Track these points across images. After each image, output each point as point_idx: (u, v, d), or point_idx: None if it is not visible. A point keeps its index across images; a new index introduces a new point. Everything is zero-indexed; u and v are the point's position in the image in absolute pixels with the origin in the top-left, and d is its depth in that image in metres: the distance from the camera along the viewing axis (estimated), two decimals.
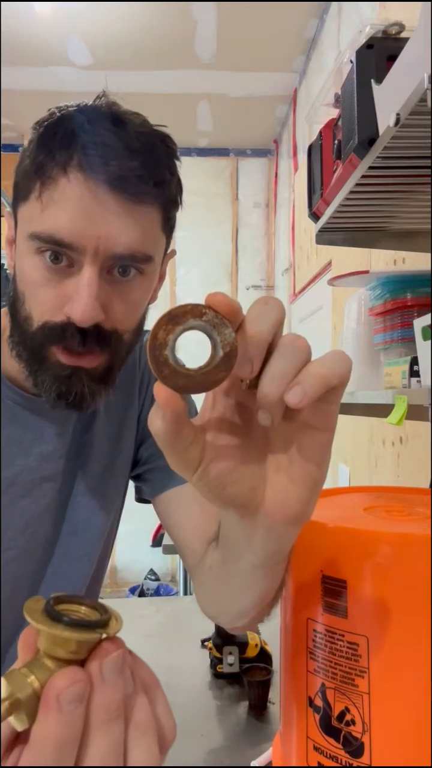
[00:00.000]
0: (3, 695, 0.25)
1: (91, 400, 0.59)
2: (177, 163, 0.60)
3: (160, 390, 0.31)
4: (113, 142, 0.54)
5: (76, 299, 0.54)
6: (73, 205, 0.53)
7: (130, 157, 0.54)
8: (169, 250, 0.67)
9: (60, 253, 0.54)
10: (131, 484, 0.80)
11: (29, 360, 0.59)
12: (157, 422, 0.32)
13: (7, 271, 0.63)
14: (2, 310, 0.65)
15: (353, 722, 0.47)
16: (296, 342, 0.34)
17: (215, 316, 0.32)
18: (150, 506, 0.78)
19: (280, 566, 0.45)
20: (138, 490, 0.79)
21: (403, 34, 0.71)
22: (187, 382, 0.31)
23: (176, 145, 0.60)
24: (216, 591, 0.57)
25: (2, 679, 0.26)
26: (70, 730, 0.25)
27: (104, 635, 0.28)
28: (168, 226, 0.63)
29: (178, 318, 0.31)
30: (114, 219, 0.54)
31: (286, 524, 0.37)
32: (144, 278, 0.59)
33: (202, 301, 0.32)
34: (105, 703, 0.27)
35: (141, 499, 0.79)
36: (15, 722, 0.26)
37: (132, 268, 0.57)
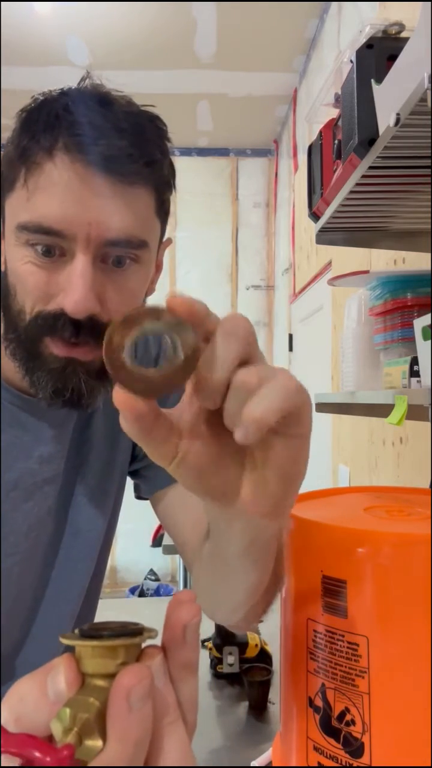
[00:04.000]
0: (68, 723, 0.25)
1: (88, 397, 0.57)
2: (168, 144, 0.58)
3: (117, 395, 0.31)
4: (100, 122, 0.51)
5: (70, 290, 0.52)
6: (60, 190, 0.50)
7: (118, 136, 0.52)
8: (164, 239, 0.64)
9: (51, 246, 0.52)
10: (129, 482, 0.79)
11: (24, 357, 0.57)
12: (123, 424, 0.32)
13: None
14: None
15: (353, 722, 0.47)
16: (246, 378, 0.33)
17: (174, 319, 0.31)
18: (148, 506, 0.78)
19: (265, 558, 0.44)
20: (136, 488, 0.79)
21: (403, 34, 0.71)
22: (146, 386, 0.31)
23: (166, 126, 0.58)
24: (209, 583, 0.56)
25: (64, 709, 0.25)
26: (144, 726, 0.25)
27: (147, 639, 0.28)
28: (162, 211, 0.60)
29: (134, 321, 0.30)
30: (105, 202, 0.51)
31: (261, 517, 0.37)
32: (140, 267, 0.57)
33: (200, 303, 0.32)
34: (188, 660, 0.28)
35: (140, 496, 0.79)
36: (90, 746, 0.25)
37: (127, 258, 0.55)
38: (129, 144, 0.52)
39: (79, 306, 0.52)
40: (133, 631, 0.27)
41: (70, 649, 0.28)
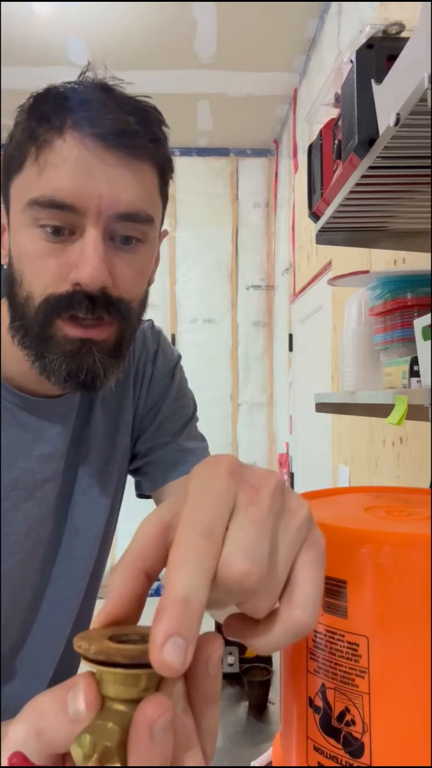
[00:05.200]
0: (88, 750, 0.24)
1: (103, 377, 0.57)
2: (167, 129, 0.59)
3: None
4: (106, 101, 0.53)
5: (83, 262, 0.52)
6: (71, 165, 0.52)
7: (124, 113, 0.53)
8: (162, 229, 0.65)
9: (61, 227, 0.53)
10: (131, 480, 0.79)
11: (33, 342, 0.57)
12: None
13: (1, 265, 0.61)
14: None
15: (353, 722, 0.47)
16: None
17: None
18: (149, 506, 0.78)
19: None
20: (138, 485, 0.79)
21: (403, 34, 0.71)
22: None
23: (163, 117, 0.59)
24: None
25: (84, 735, 0.25)
26: (165, 756, 0.25)
27: None
28: (164, 192, 0.61)
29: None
30: (114, 175, 0.53)
31: None
32: (145, 246, 0.58)
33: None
34: (210, 693, 0.28)
35: (142, 494, 0.79)
36: None
37: (134, 237, 0.56)
38: (135, 120, 0.54)
39: (94, 275, 0.52)
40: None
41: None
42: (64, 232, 0.53)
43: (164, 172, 0.60)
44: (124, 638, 0.29)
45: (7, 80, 2.97)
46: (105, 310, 0.55)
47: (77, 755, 0.24)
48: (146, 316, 0.75)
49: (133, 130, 0.53)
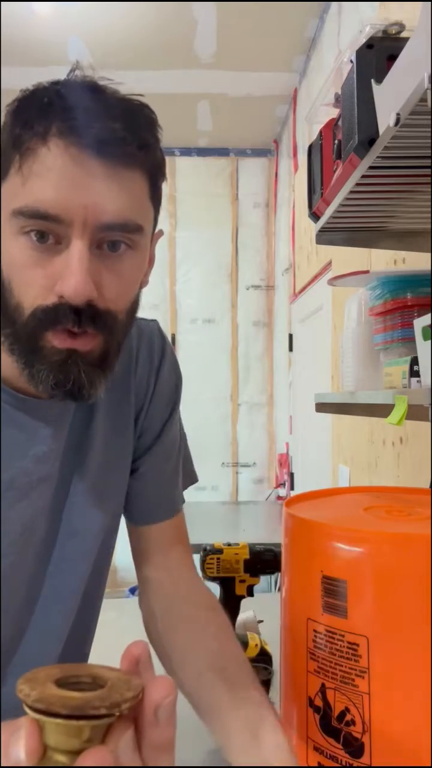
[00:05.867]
0: None
1: (89, 388, 0.56)
2: (159, 130, 0.58)
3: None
4: (92, 107, 0.52)
5: (67, 275, 0.51)
6: (55, 175, 0.50)
7: (112, 120, 0.52)
8: (157, 230, 0.64)
9: (46, 232, 0.52)
10: None
11: (23, 351, 0.56)
12: None
13: None
14: None
15: (353, 722, 0.47)
16: None
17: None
18: None
19: None
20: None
21: (403, 34, 0.71)
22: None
23: (155, 115, 0.58)
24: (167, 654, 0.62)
25: None
26: None
27: (118, 712, 0.26)
28: (156, 197, 0.60)
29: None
30: (100, 186, 0.51)
31: None
32: (135, 252, 0.57)
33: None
34: (160, 742, 0.27)
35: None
36: None
37: (122, 242, 0.55)
38: (122, 127, 0.52)
39: (79, 290, 0.51)
40: (106, 708, 0.25)
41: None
42: (48, 238, 0.52)
43: (155, 177, 0.58)
44: (75, 680, 0.27)
45: (7, 80, 2.97)
46: (91, 323, 0.54)
47: None
48: (146, 315, 0.75)
49: (120, 137, 0.52)
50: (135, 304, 0.61)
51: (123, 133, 0.52)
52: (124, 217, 0.53)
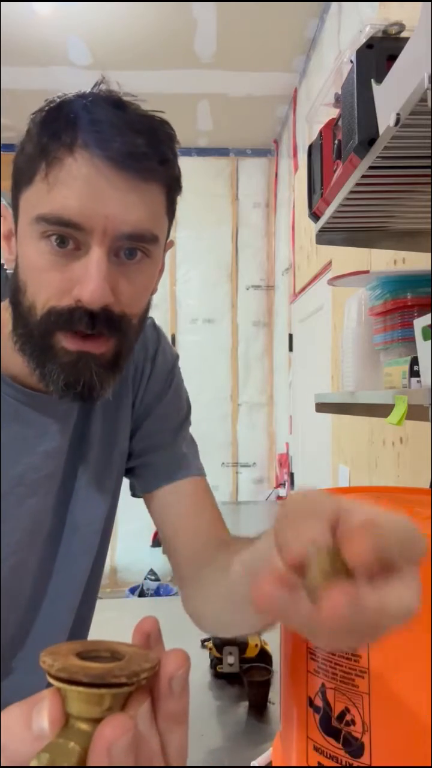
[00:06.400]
0: None
1: (100, 389, 0.58)
2: (177, 146, 0.60)
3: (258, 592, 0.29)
4: (117, 121, 0.54)
5: (86, 280, 0.53)
6: (80, 184, 0.52)
7: (135, 135, 0.54)
8: (167, 240, 0.66)
9: (66, 237, 0.54)
10: (126, 480, 0.79)
11: (34, 351, 0.58)
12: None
13: (5, 269, 0.62)
14: (1, 305, 0.64)
15: (353, 722, 0.47)
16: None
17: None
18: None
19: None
20: (131, 486, 0.79)
21: (403, 34, 0.71)
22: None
23: (174, 132, 0.60)
24: (213, 610, 0.57)
25: (43, 753, 0.25)
26: None
27: (137, 682, 0.27)
28: (171, 210, 0.62)
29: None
30: (121, 197, 0.53)
31: None
32: (150, 261, 0.59)
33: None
34: (175, 712, 0.28)
35: (136, 494, 0.79)
36: None
37: (138, 250, 0.57)
38: (144, 143, 0.54)
39: (96, 295, 0.53)
40: (126, 677, 0.26)
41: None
42: (69, 243, 0.54)
43: (172, 191, 0.60)
44: (94, 654, 0.28)
45: (7, 80, 2.97)
46: (105, 327, 0.56)
47: None
48: (150, 316, 0.75)
49: (142, 152, 0.54)
50: (146, 310, 0.63)
51: (145, 148, 0.54)
52: (142, 228, 0.55)
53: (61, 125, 0.53)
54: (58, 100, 0.56)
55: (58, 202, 0.53)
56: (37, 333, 0.57)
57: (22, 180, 0.57)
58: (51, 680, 0.27)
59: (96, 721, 0.26)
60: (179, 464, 0.75)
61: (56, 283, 0.55)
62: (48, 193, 0.53)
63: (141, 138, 0.54)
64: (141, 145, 0.54)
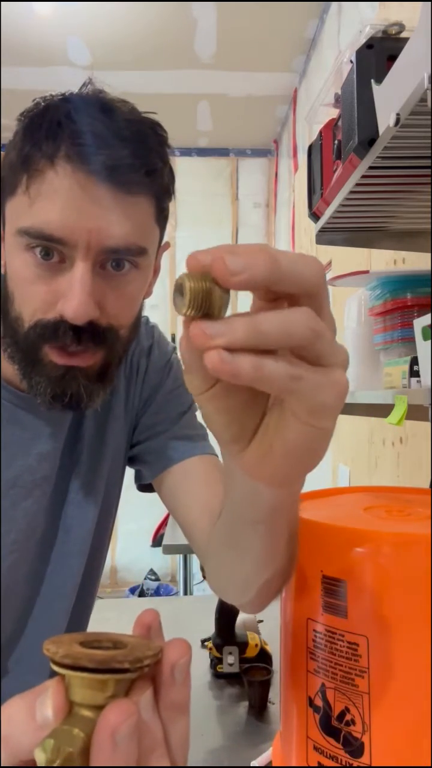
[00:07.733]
0: (51, 755, 0.24)
1: (88, 400, 0.57)
2: (168, 150, 0.58)
3: (193, 328, 0.28)
4: (101, 131, 0.52)
5: (69, 296, 0.52)
6: (62, 198, 0.51)
7: (120, 145, 0.52)
8: (163, 243, 0.65)
9: (51, 249, 0.52)
10: (129, 479, 0.79)
11: (22, 362, 0.57)
12: (182, 344, 0.30)
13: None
14: None
15: (353, 722, 0.47)
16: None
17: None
18: (149, 506, 0.77)
19: (272, 528, 0.42)
20: (138, 476, 0.78)
21: (403, 34, 0.71)
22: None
23: (167, 133, 0.58)
24: (219, 559, 0.55)
25: (48, 740, 0.25)
26: (128, 763, 0.25)
27: (140, 669, 0.27)
28: (162, 217, 0.60)
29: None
30: (105, 211, 0.52)
31: (266, 485, 0.36)
32: (139, 272, 0.57)
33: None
34: (177, 701, 0.28)
35: (142, 486, 0.78)
36: None
37: (126, 261, 0.56)
38: (130, 153, 0.53)
39: (79, 312, 0.52)
40: (129, 663, 0.27)
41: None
42: (54, 255, 0.53)
43: (161, 199, 0.59)
44: (96, 644, 0.29)
45: (7, 80, 2.97)
46: (91, 341, 0.55)
47: (40, 759, 0.25)
48: (145, 315, 0.75)
49: (128, 164, 0.52)
50: (137, 318, 0.62)
51: (131, 159, 0.53)
52: (127, 242, 0.54)
53: (43, 135, 0.52)
54: (44, 104, 0.54)
55: (39, 216, 0.51)
56: (24, 345, 0.56)
57: (6, 188, 0.56)
58: (55, 667, 0.27)
59: (99, 708, 0.26)
60: (185, 445, 0.73)
61: (42, 295, 0.54)
62: (30, 206, 0.52)
63: (127, 148, 0.52)
64: (126, 157, 0.52)
